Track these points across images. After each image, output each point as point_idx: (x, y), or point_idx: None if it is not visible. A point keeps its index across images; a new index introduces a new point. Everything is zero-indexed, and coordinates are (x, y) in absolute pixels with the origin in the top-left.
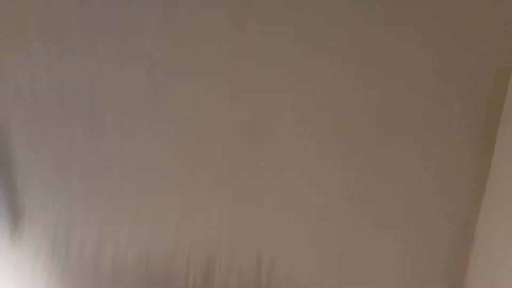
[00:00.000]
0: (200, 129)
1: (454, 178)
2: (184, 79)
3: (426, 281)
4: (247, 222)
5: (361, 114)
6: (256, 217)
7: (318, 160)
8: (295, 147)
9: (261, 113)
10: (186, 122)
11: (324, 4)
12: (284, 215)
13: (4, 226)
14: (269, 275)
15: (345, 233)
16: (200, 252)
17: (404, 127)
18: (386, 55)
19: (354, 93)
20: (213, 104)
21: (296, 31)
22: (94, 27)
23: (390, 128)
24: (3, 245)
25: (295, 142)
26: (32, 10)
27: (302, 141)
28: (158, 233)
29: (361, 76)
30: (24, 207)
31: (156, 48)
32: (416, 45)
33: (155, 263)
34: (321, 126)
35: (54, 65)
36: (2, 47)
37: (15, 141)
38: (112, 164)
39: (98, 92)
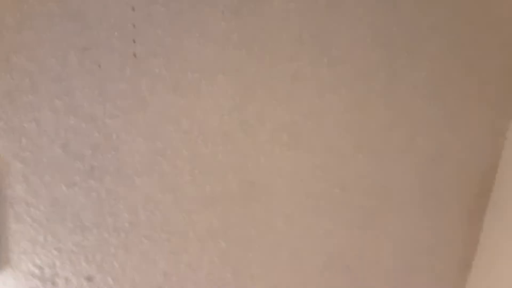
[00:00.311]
0: (198, 181)
1: (442, 256)
2: (188, 136)
3: None
4: (234, 280)
5: (356, 183)
6: (244, 275)
7: (309, 221)
8: (289, 208)
9: (260, 174)
10: (186, 171)
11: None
12: (272, 276)
13: None
14: None
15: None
16: None
17: (397, 202)
18: (383, 127)
19: (349, 164)
20: (215, 163)
21: (294, 100)
22: (104, 74)
23: (383, 199)
24: None
25: (289, 204)
26: (45, 54)
27: (296, 203)
28: (145, 283)
29: (357, 148)
30: (14, 246)
31: (163, 103)
32: (413, 131)
33: None
34: (315, 189)
35: (61, 111)
36: (13, 87)
37: (14, 179)
38: (106, 205)
39: (103, 137)
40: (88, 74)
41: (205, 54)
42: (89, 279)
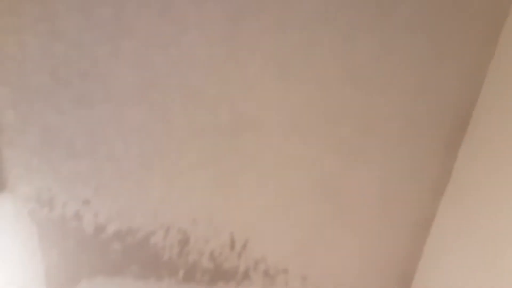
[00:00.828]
0: (189, 111)
1: (419, 183)
2: (177, 66)
3: (382, 270)
4: (224, 204)
5: (342, 115)
6: (233, 200)
7: (296, 150)
8: (277, 138)
9: (250, 105)
10: (177, 102)
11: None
12: (260, 201)
13: None
14: (240, 255)
15: (315, 221)
16: (177, 228)
17: (380, 132)
18: (370, 59)
19: (336, 95)
20: (205, 94)
21: (284, 31)
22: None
23: (367, 130)
24: None
25: (277, 134)
26: None
27: (284, 133)
28: (139, 208)
29: (344, 80)
30: (9, 170)
31: (150, 30)
32: (399, 64)
33: (134, 237)
34: (303, 120)
35: (46, 36)
36: None
37: (2, 105)
38: (98, 133)
39: (90, 64)
40: None
41: None
42: (86, 202)
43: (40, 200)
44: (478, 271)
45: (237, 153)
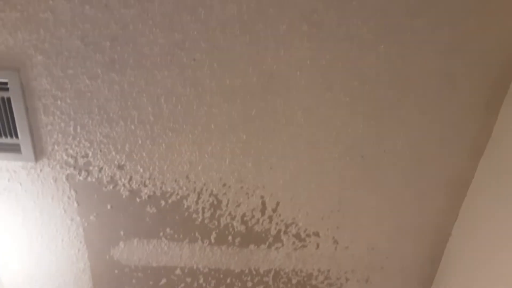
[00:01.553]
0: (218, 73)
1: (455, 146)
2: (206, 27)
3: (414, 234)
4: (254, 168)
5: (375, 74)
6: (263, 163)
7: (328, 111)
8: (307, 99)
9: (280, 65)
10: (207, 64)
11: None
12: (291, 164)
13: (29, 152)
14: (271, 218)
15: (347, 184)
16: (209, 192)
17: (415, 92)
18: (406, 15)
19: (369, 54)
20: (234, 56)
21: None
22: None
23: (401, 90)
24: (28, 170)
25: (308, 95)
26: None
27: (315, 94)
28: (171, 172)
29: (378, 38)
30: (47, 137)
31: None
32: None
33: (167, 200)
34: (335, 81)
35: (77, 3)
36: None
37: (38, 72)
38: (130, 98)
39: (120, 27)
40: None
41: None
42: (120, 167)
43: (77, 165)
44: None
45: (267, 115)
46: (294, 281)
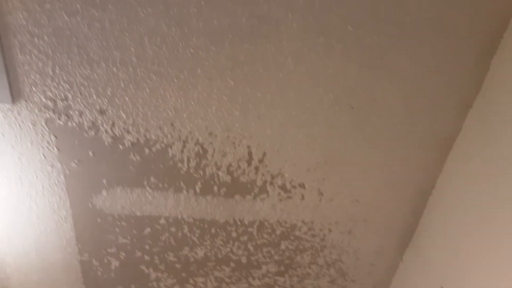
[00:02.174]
0: (205, 13)
1: (445, 97)
2: None
3: (399, 186)
4: (241, 117)
5: (369, 20)
6: (251, 112)
7: (319, 59)
8: (298, 45)
9: (271, 6)
10: (194, 1)
11: None
12: (279, 113)
13: (5, 93)
14: (257, 169)
15: (335, 135)
16: (195, 141)
17: (408, 40)
18: None
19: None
20: None
21: None
22: None
23: (395, 37)
24: (5, 113)
25: (299, 40)
26: None
27: (306, 40)
28: (155, 119)
29: None
30: (24, 77)
31: None
32: None
33: (151, 149)
34: (328, 25)
35: None
36: None
37: (13, 6)
38: (111, 37)
39: None
40: None
41: None
42: (102, 112)
43: (56, 109)
44: (499, 191)
45: (256, 61)
46: (278, 232)
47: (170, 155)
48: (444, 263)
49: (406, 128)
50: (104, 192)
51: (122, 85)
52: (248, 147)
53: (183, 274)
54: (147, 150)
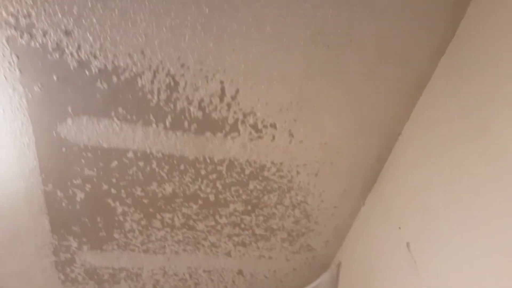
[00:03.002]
0: None
1: (421, 35)
2: None
3: (368, 129)
4: (215, 50)
5: None
6: (225, 45)
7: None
8: None
9: None
10: None
11: None
12: (253, 48)
13: None
14: (229, 106)
15: (309, 74)
16: (166, 71)
17: None
18: None
19: None
20: None
21: None
22: None
23: None
24: None
25: None
26: None
27: None
28: (125, 45)
29: None
30: None
31: None
32: None
33: (120, 77)
34: None
35: None
36: None
37: None
38: None
39: None
40: None
41: None
42: (68, 33)
43: (18, 26)
44: (463, 141)
45: None
46: (247, 172)
47: (139, 85)
48: (404, 209)
49: (380, 70)
50: (69, 121)
51: (90, 5)
52: (221, 82)
53: (151, 209)
54: (115, 78)
